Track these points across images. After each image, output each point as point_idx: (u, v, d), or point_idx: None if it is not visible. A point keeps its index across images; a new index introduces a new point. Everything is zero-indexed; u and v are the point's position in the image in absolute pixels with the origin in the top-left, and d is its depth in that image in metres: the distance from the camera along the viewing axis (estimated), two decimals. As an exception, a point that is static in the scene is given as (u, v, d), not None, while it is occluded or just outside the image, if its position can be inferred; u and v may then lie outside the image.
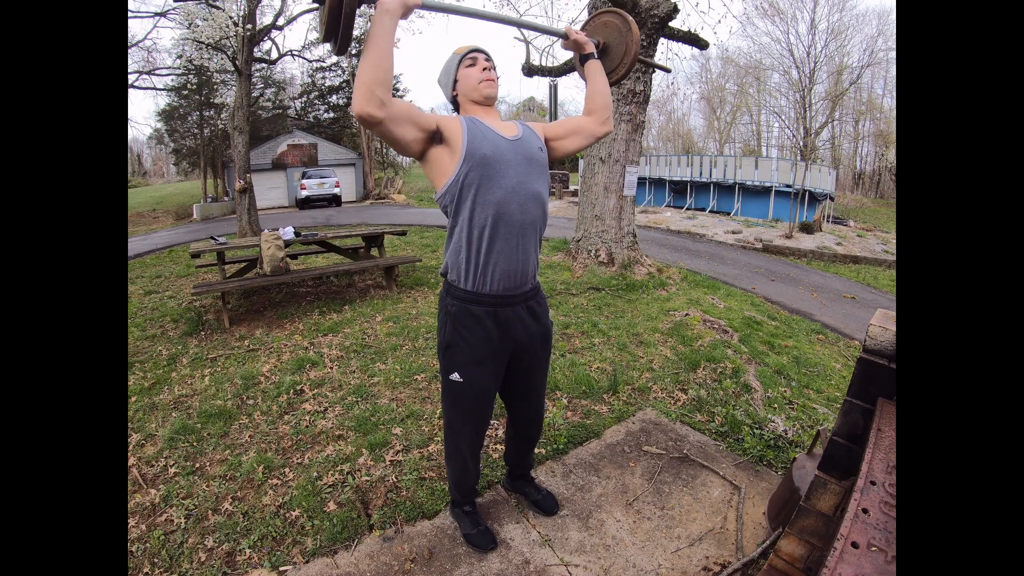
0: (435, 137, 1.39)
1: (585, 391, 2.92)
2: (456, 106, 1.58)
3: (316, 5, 10.98)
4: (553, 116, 8.36)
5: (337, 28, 1.17)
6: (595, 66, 1.65)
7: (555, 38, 1.70)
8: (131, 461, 2.33)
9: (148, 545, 1.80)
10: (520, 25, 1.56)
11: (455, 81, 1.52)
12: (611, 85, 1.78)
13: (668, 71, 2.19)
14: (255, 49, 10.82)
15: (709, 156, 18.40)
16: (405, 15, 1.26)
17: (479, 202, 1.39)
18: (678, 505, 2.02)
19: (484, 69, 1.49)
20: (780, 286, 7.04)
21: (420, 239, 8.80)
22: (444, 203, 1.45)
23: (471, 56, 1.51)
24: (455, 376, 1.55)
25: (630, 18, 1.68)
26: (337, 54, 1.25)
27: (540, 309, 1.62)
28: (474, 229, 1.41)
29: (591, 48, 1.65)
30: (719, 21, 31.41)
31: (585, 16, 6.32)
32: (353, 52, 22.11)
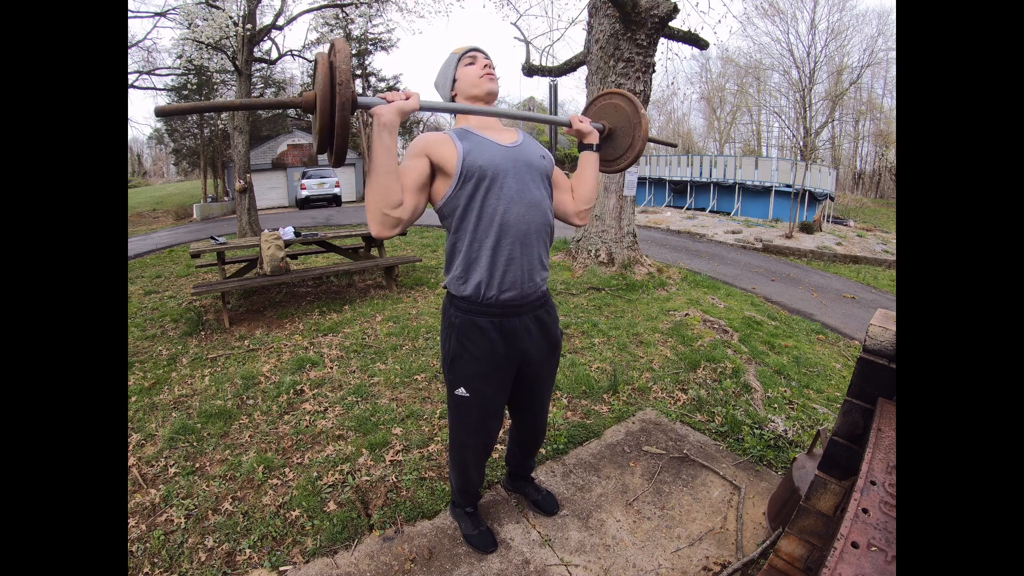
0: (433, 173, 1.38)
1: (585, 391, 2.92)
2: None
3: (317, 6, 10.93)
4: (552, 115, 8.36)
5: (331, 144, 1.14)
6: (590, 158, 1.60)
7: (558, 123, 1.64)
8: (131, 461, 2.33)
9: (148, 545, 1.80)
10: (523, 119, 1.53)
11: (454, 80, 1.49)
12: (617, 171, 1.76)
13: (674, 145, 2.17)
14: (255, 49, 10.82)
15: (709, 156, 18.40)
16: (403, 120, 1.24)
17: (480, 215, 1.36)
18: (678, 505, 2.02)
19: (484, 66, 1.46)
20: (780, 286, 7.04)
21: (420, 239, 8.80)
22: (443, 216, 1.43)
23: (470, 55, 1.47)
24: (461, 391, 1.51)
25: (642, 110, 1.62)
26: (334, 167, 1.24)
27: (549, 319, 1.57)
28: (476, 242, 1.38)
29: (593, 140, 1.60)
30: (719, 21, 31.46)
31: (585, 16, 6.32)
32: (353, 52, 22.10)
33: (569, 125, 1.61)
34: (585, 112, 1.81)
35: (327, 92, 1.08)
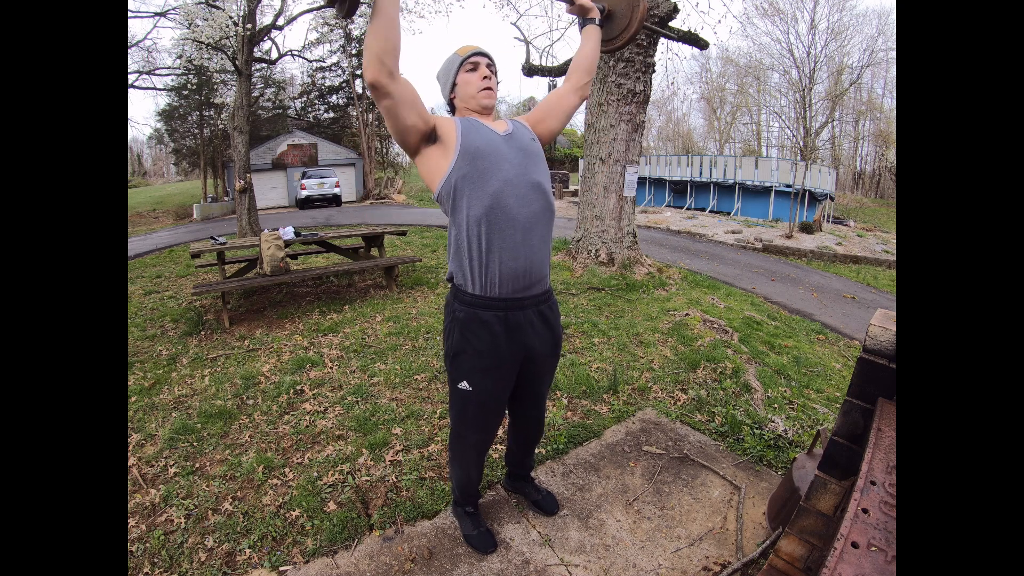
0: (431, 136, 1.38)
1: (585, 391, 2.92)
2: (452, 109, 1.56)
3: (317, 6, 10.94)
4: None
5: None
6: (592, 31, 1.66)
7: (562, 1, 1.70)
8: (131, 461, 2.33)
9: (148, 545, 1.80)
10: None
11: (454, 84, 1.50)
12: (611, 52, 1.79)
13: (673, 37, 2.20)
14: (255, 49, 10.82)
15: (709, 156, 18.40)
16: None
17: (475, 196, 1.36)
18: (678, 505, 2.02)
19: (485, 77, 1.47)
20: (780, 286, 7.04)
21: (420, 239, 8.80)
22: (442, 201, 1.43)
23: (473, 60, 1.47)
24: (464, 385, 1.51)
25: None
26: (344, 17, 1.22)
27: (552, 315, 1.58)
28: (472, 225, 1.37)
29: (595, 14, 1.66)
30: (719, 21, 31.45)
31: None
32: (353, 52, 22.11)
33: (571, 2, 1.65)
34: None
35: None
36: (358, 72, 22.18)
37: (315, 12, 11.59)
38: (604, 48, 1.80)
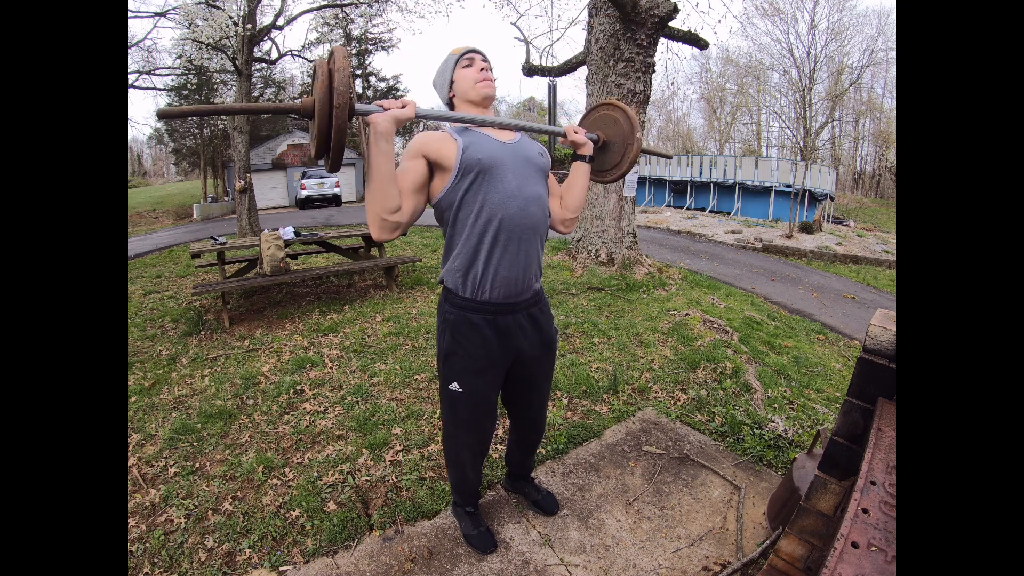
0: (431, 172, 1.38)
1: (585, 391, 2.92)
2: (452, 108, 1.56)
3: (317, 5, 10.93)
4: (552, 116, 8.37)
5: (328, 150, 1.15)
6: (582, 169, 1.61)
7: (553, 132, 1.67)
8: (131, 461, 2.33)
9: (148, 545, 1.80)
10: (519, 128, 1.55)
11: (451, 82, 1.49)
12: (606, 182, 1.78)
13: (669, 157, 2.20)
14: (255, 49, 10.82)
15: (709, 156, 18.39)
16: (399, 127, 1.25)
17: (479, 208, 1.36)
18: (678, 505, 2.02)
19: (481, 69, 1.46)
20: (780, 286, 7.04)
21: (420, 239, 8.80)
22: (440, 210, 1.42)
23: (468, 57, 1.48)
24: (454, 386, 1.52)
25: (633, 116, 1.65)
26: (330, 171, 1.25)
27: (542, 316, 1.58)
28: (474, 235, 1.37)
29: (586, 151, 1.62)
30: (719, 21, 31.41)
31: (585, 16, 6.32)
32: (353, 52, 22.11)
33: (564, 136, 1.62)
34: (584, 119, 1.82)
35: (325, 99, 1.10)
36: (358, 72, 22.20)
37: (315, 12, 11.59)
38: (594, 178, 1.76)
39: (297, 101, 1.15)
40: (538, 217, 1.44)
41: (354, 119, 1.20)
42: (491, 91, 1.47)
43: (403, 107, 1.23)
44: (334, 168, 1.19)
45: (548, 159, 1.55)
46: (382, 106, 1.23)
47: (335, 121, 1.09)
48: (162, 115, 1.05)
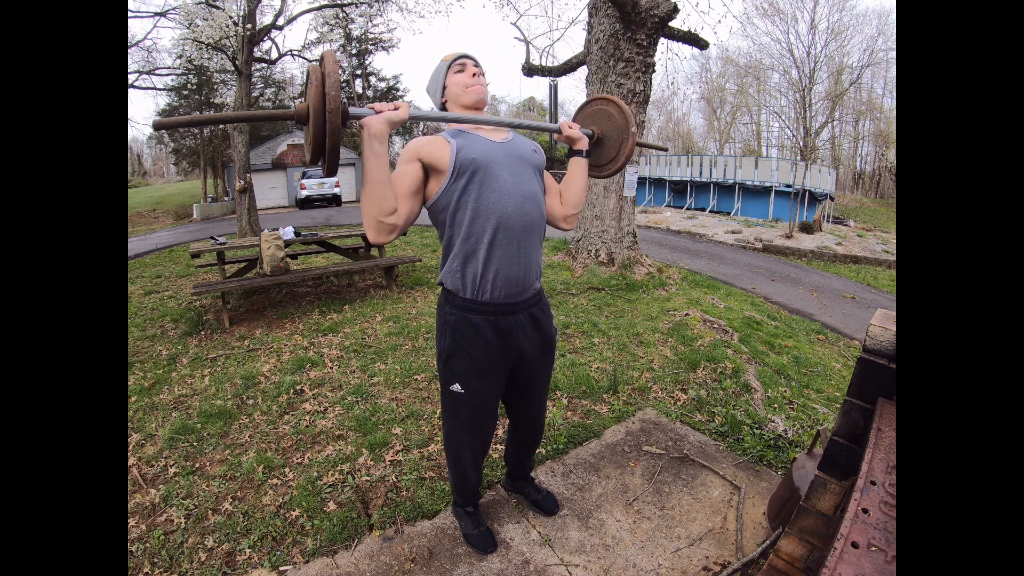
0: (426, 175, 1.39)
1: (585, 391, 2.92)
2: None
3: (317, 5, 10.93)
4: (553, 116, 8.37)
5: (323, 154, 1.16)
6: (580, 164, 1.61)
7: (548, 129, 1.66)
8: (131, 461, 2.33)
9: (148, 545, 1.80)
10: (513, 126, 1.56)
11: (444, 88, 1.51)
12: (602, 178, 1.77)
13: (664, 150, 2.19)
14: (255, 49, 10.82)
15: (709, 156, 18.40)
16: (392, 130, 1.25)
17: (475, 207, 1.36)
18: (678, 505, 2.02)
19: (473, 75, 1.48)
20: (780, 286, 7.04)
21: (420, 239, 8.80)
22: (436, 212, 1.42)
23: (460, 62, 1.49)
24: (456, 387, 1.51)
25: (627, 111, 1.64)
26: (326, 176, 1.25)
27: (543, 316, 1.58)
28: (472, 235, 1.37)
29: (582, 145, 1.62)
30: (719, 21, 31.43)
31: (585, 16, 6.32)
32: (353, 52, 22.11)
33: (559, 131, 1.63)
34: (579, 113, 1.82)
35: (319, 104, 1.10)
36: (358, 72, 22.19)
37: (315, 12, 11.59)
38: (591, 173, 1.75)
39: (293, 104, 1.15)
40: (535, 214, 1.44)
41: (349, 122, 1.21)
42: (482, 95, 1.49)
43: (396, 109, 1.24)
44: (331, 172, 1.19)
45: (542, 155, 1.55)
46: (375, 109, 1.23)
47: (329, 126, 1.10)
48: (158, 126, 1.05)
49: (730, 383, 3.06)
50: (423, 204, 1.41)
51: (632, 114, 1.66)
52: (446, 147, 1.37)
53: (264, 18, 11.07)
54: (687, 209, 17.26)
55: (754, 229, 12.60)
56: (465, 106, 1.48)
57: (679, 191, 18.46)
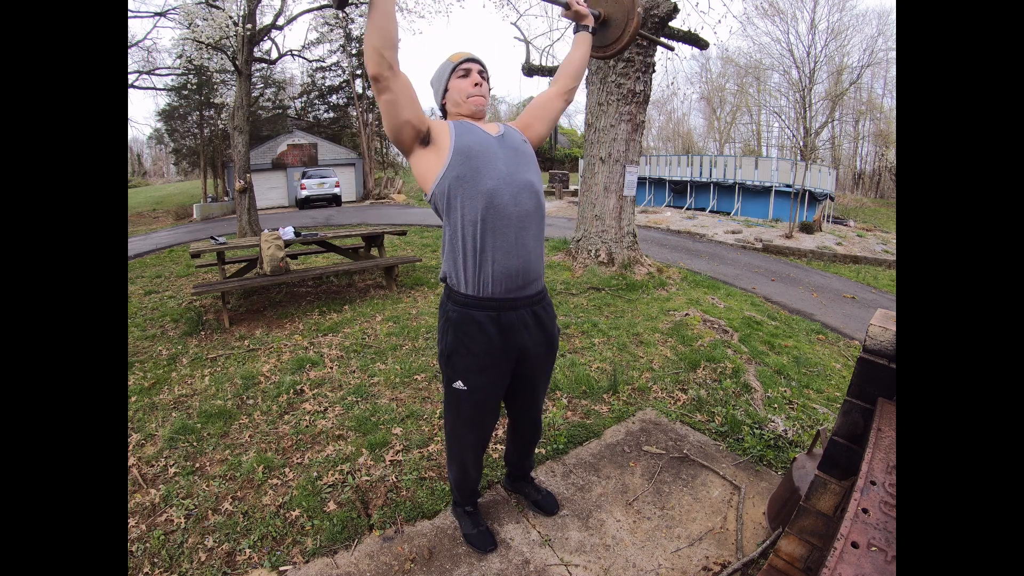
0: (425, 138, 1.40)
1: (585, 391, 2.92)
2: (444, 114, 1.58)
3: (317, 5, 10.92)
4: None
5: None
6: (584, 38, 1.69)
7: (556, 2, 1.71)
8: (131, 461, 2.33)
9: (148, 545, 1.80)
10: None
11: (445, 90, 1.53)
12: (602, 59, 1.81)
13: (671, 48, 2.22)
14: (255, 49, 10.82)
15: (709, 156, 18.39)
16: None
17: (470, 194, 1.37)
18: (678, 505, 2.02)
19: (476, 84, 1.49)
20: (780, 286, 7.04)
21: (420, 239, 8.80)
22: (435, 201, 1.44)
23: (464, 66, 1.50)
24: (458, 384, 1.52)
25: (638, 7, 1.69)
26: (337, 7, 1.25)
27: (546, 316, 1.58)
28: (467, 224, 1.38)
29: (590, 21, 1.68)
30: (719, 21, 31.44)
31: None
32: (353, 52, 22.11)
33: (567, 7, 1.68)
34: None
35: None
36: (358, 72, 22.20)
37: (315, 12, 11.59)
38: (595, 54, 1.82)
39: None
40: (531, 204, 1.45)
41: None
42: (481, 106, 1.52)
43: None
44: (342, 4, 1.22)
45: (531, 145, 1.58)
46: None
47: None
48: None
49: (730, 383, 3.06)
50: (415, 125, 1.36)
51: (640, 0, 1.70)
52: (447, 129, 1.41)
53: (264, 18, 11.08)
54: (687, 209, 17.25)
55: (754, 229, 12.60)
56: (463, 115, 1.51)
57: (679, 191, 18.45)
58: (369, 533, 1.85)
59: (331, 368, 3.33)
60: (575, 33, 1.71)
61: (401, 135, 1.37)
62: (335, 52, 22.75)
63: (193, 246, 4.93)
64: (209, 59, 10.79)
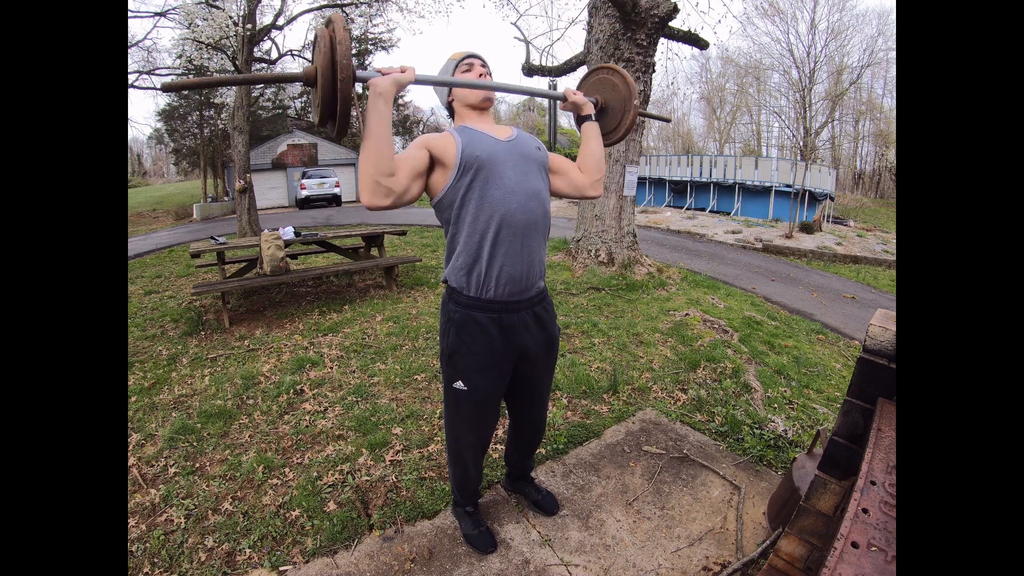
0: (431, 166, 1.39)
1: (585, 391, 2.92)
2: (451, 112, 1.58)
3: (317, 5, 10.91)
4: (552, 116, 8.38)
5: (333, 115, 1.16)
6: (592, 128, 1.66)
7: (553, 96, 1.72)
8: (131, 461, 2.33)
9: (148, 545, 1.80)
10: (518, 92, 1.59)
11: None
12: (609, 145, 1.78)
13: (668, 120, 2.21)
14: (255, 49, 10.83)
15: (709, 156, 18.40)
16: (398, 91, 1.28)
17: (479, 204, 1.37)
18: (678, 505, 2.02)
19: (480, 75, 1.50)
20: (780, 286, 7.04)
21: (420, 239, 8.80)
22: (442, 209, 1.43)
23: (467, 62, 1.51)
24: (459, 384, 1.52)
25: (630, 80, 1.67)
26: (336, 138, 1.26)
27: (547, 316, 1.59)
28: (476, 232, 1.38)
29: (589, 110, 1.66)
30: (719, 21, 31.44)
31: (585, 16, 6.32)
32: (353, 53, 22.10)
33: (564, 99, 1.66)
34: (583, 82, 1.84)
35: (328, 64, 1.12)
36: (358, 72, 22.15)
37: (315, 12, 11.59)
38: None
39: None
40: (539, 212, 1.45)
41: (355, 95, 1.23)
42: (489, 95, 1.51)
43: (403, 72, 1.27)
44: (340, 134, 1.21)
45: (545, 152, 1.57)
46: (381, 72, 1.27)
47: (341, 94, 1.12)
48: (166, 88, 1.10)
49: (730, 383, 3.06)
50: (424, 189, 1.40)
51: (635, 84, 1.68)
52: (453, 142, 1.39)
53: (264, 18, 11.08)
54: (687, 209, 17.25)
55: (754, 229, 12.60)
56: (471, 105, 1.51)
57: (679, 191, 18.45)
58: (369, 533, 1.85)
59: (331, 368, 3.33)
60: (578, 125, 1.68)
61: (417, 195, 1.38)
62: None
63: (193, 246, 4.93)
64: (209, 59, 10.79)
